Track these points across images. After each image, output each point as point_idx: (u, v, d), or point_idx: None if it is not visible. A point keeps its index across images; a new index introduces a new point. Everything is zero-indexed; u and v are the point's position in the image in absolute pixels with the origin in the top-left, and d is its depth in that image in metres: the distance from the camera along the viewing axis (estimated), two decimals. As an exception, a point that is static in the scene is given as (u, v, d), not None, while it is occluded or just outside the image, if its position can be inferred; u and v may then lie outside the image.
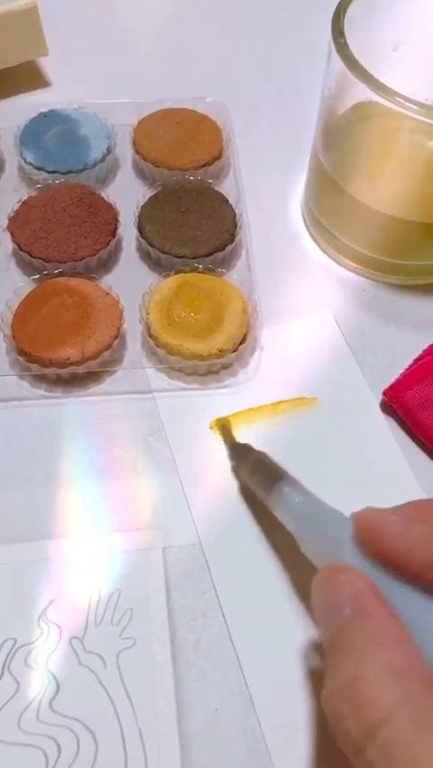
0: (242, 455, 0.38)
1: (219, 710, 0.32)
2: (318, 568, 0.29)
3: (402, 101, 0.37)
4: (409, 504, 0.28)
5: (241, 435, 0.40)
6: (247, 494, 0.38)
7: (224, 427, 0.40)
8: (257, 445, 0.39)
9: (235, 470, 0.38)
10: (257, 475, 0.35)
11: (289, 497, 0.33)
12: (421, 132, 0.44)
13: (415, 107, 0.36)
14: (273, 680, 0.33)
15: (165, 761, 0.31)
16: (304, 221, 0.49)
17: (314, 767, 0.31)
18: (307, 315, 0.44)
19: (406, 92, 0.36)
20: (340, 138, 0.46)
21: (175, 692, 0.32)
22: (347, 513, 0.31)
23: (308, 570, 0.34)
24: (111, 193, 0.48)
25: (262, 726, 0.32)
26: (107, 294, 0.43)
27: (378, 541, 0.27)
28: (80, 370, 0.40)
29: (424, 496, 0.38)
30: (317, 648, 0.34)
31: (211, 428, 0.40)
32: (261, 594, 0.35)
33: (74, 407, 0.41)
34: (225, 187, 0.48)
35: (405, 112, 0.37)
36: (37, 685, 0.33)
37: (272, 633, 0.34)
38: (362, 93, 0.38)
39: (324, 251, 0.48)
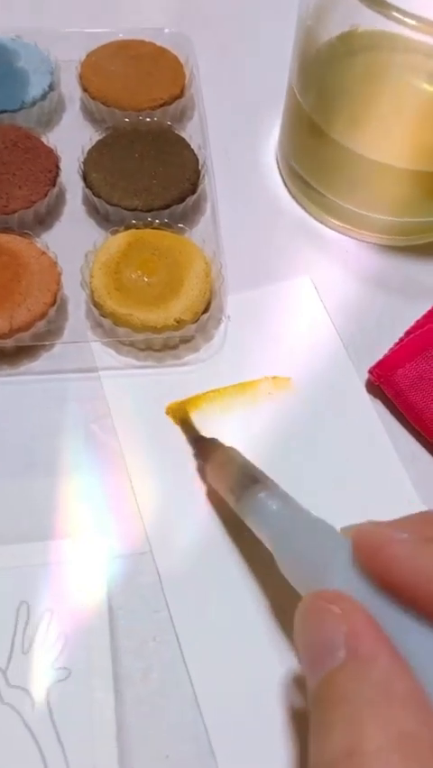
0: (207, 452, 0.33)
1: (170, 757, 0.28)
2: (301, 593, 0.24)
3: (399, 15, 0.30)
4: (417, 517, 0.24)
5: (203, 423, 0.35)
6: (211, 496, 0.33)
7: (182, 417, 0.35)
8: (224, 437, 0.34)
9: (200, 469, 0.33)
10: (225, 476, 0.31)
11: (263, 503, 0.28)
12: (416, 68, 0.39)
13: (412, 22, 0.30)
14: (237, 720, 0.29)
15: None
16: (279, 171, 0.45)
17: None
18: (281, 280, 0.40)
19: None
20: (321, 73, 0.40)
21: (117, 735, 0.28)
22: (328, 517, 0.27)
23: (283, 586, 0.30)
24: (55, 138, 0.42)
25: (222, 778, 0.28)
26: (43, 253, 0.37)
27: (383, 565, 0.22)
28: (9, 343, 0.35)
29: (415, 494, 0.34)
30: (293, 682, 0.29)
31: (167, 414, 0.35)
32: (222, 615, 0.31)
33: (1, 389, 0.35)
34: (188, 131, 0.43)
35: (401, 29, 0.30)
36: None
37: (236, 662, 0.30)
38: (348, 13, 0.33)
39: (302, 206, 0.43)
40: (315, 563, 0.24)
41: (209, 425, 0.35)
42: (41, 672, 0.29)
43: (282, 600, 0.31)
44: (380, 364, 0.36)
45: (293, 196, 0.43)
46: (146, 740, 0.28)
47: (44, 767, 0.27)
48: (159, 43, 0.46)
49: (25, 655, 0.29)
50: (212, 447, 0.32)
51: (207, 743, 0.28)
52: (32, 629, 0.30)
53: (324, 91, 0.40)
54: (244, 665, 0.30)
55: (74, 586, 0.31)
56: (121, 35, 0.46)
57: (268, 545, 0.27)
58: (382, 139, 0.38)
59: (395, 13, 0.31)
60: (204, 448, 0.33)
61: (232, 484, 0.30)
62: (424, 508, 0.33)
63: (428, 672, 0.20)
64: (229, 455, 0.31)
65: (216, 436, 0.34)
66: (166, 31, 0.47)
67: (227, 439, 0.34)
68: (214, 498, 0.33)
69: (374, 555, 0.22)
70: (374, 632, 0.21)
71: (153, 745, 0.28)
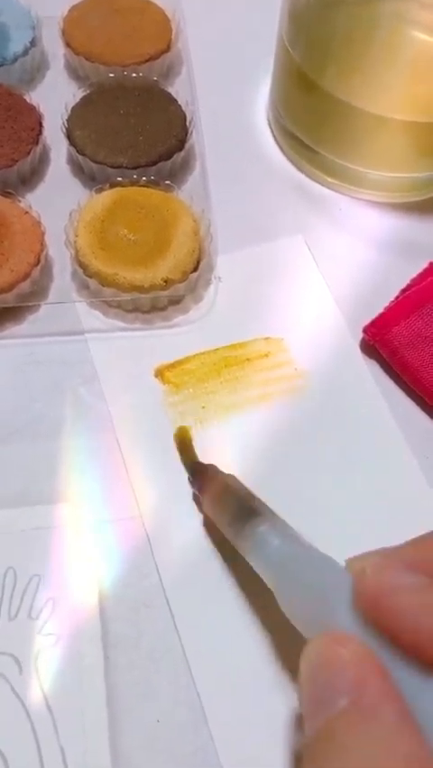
0: (203, 481, 0.30)
1: (162, 722, 0.27)
2: (304, 634, 0.22)
3: None
4: (421, 545, 0.22)
5: (189, 387, 0.34)
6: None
7: (182, 438, 0.32)
8: (212, 419, 0.33)
9: (196, 498, 0.31)
10: (222, 508, 0.28)
11: (263, 539, 0.26)
12: (409, 17, 0.37)
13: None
14: (229, 684, 0.28)
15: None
16: (270, 126, 0.43)
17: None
18: (273, 239, 0.39)
19: None
20: (311, 22, 0.39)
21: (107, 701, 0.27)
22: (323, 479, 0.26)
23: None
24: (38, 95, 0.41)
25: (215, 742, 0.27)
26: (26, 213, 0.36)
27: (388, 616, 0.20)
28: (-9, 305, 0.34)
29: (412, 456, 0.33)
30: (283, 651, 0.29)
31: (156, 377, 0.34)
32: (214, 579, 0.30)
33: (-15, 352, 0.35)
34: (175, 87, 0.42)
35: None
36: None
37: (229, 627, 0.29)
38: None
39: (293, 163, 0.42)
40: (318, 604, 0.22)
41: (199, 386, 0.34)
42: (29, 638, 0.28)
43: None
44: (374, 323, 0.35)
45: (285, 153, 0.42)
46: (137, 705, 0.28)
47: (33, 733, 0.27)
48: (144, -5, 0.45)
49: (12, 621, 0.29)
50: (209, 476, 0.30)
51: (199, 708, 0.27)
52: (19, 595, 0.29)
53: (314, 41, 0.38)
54: (237, 629, 0.29)
55: (62, 551, 0.30)
56: (104, -12, 0.45)
57: (268, 583, 0.25)
58: (376, 90, 0.37)
59: None
60: (200, 477, 0.31)
61: (230, 517, 0.28)
62: (420, 470, 0.32)
63: (431, 726, 0.18)
64: (226, 485, 0.29)
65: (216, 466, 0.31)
66: (152, -18, 0.45)
67: (216, 399, 0.33)
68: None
69: (376, 604, 0.20)
70: (381, 682, 0.19)
71: (145, 710, 0.27)
